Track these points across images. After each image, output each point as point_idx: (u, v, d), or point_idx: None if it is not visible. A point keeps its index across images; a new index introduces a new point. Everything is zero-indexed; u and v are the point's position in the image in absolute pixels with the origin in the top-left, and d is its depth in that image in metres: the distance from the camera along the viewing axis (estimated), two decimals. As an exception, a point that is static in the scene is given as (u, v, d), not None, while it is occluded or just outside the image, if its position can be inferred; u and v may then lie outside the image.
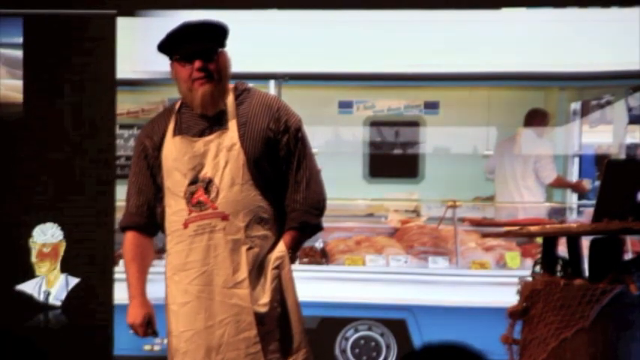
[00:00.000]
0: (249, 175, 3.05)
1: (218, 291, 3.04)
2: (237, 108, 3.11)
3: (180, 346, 3.08)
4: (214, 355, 3.04)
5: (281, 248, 3.10)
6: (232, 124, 3.08)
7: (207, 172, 3.05)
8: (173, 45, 3.06)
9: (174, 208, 3.10)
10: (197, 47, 3.03)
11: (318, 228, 3.19)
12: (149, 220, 3.18)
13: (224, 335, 3.03)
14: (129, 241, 3.18)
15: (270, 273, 3.06)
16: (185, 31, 3.04)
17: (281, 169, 3.12)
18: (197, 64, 3.03)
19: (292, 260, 3.14)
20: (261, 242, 3.07)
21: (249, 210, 3.05)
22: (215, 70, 3.04)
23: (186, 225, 3.06)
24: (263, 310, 3.03)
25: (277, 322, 3.07)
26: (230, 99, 3.12)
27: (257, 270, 3.06)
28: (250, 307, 3.02)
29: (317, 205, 3.14)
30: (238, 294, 3.02)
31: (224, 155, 3.05)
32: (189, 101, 3.11)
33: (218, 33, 3.08)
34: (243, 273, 3.03)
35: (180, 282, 3.08)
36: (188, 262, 3.06)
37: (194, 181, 3.06)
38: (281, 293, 3.08)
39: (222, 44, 3.10)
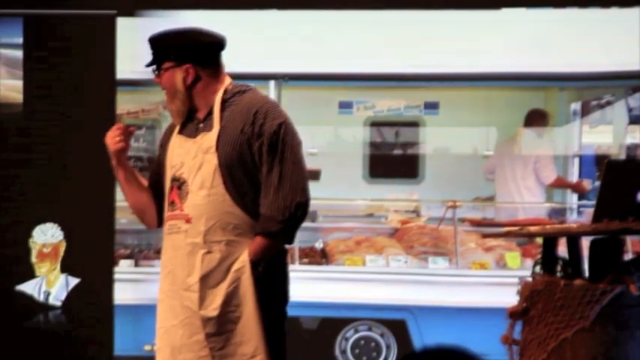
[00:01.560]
0: (220, 179, 3.03)
1: (179, 292, 3.08)
2: (224, 111, 3.10)
3: (156, 342, 3.17)
4: (177, 354, 3.09)
5: (244, 254, 3.05)
6: (216, 127, 3.08)
7: (183, 172, 3.08)
8: None
9: (165, 205, 3.17)
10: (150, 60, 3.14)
11: (283, 235, 3.06)
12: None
13: (183, 336, 3.07)
14: None
15: (228, 277, 3.04)
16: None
17: (258, 173, 3.06)
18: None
19: (256, 267, 3.03)
20: (225, 248, 3.03)
21: (213, 215, 3.03)
22: (162, 86, 3.14)
23: (165, 222, 3.14)
24: (213, 314, 3.03)
25: (231, 327, 3.05)
26: (217, 102, 3.11)
27: (221, 274, 3.03)
28: (198, 312, 3.03)
29: (283, 211, 3.01)
30: (190, 297, 3.05)
31: (200, 158, 3.06)
32: None
33: (163, 48, 3.11)
34: (195, 277, 3.03)
35: (160, 279, 3.15)
36: (164, 260, 3.14)
37: (171, 179, 3.11)
38: (239, 298, 3.04)
39: (173, 58, 3.09)
